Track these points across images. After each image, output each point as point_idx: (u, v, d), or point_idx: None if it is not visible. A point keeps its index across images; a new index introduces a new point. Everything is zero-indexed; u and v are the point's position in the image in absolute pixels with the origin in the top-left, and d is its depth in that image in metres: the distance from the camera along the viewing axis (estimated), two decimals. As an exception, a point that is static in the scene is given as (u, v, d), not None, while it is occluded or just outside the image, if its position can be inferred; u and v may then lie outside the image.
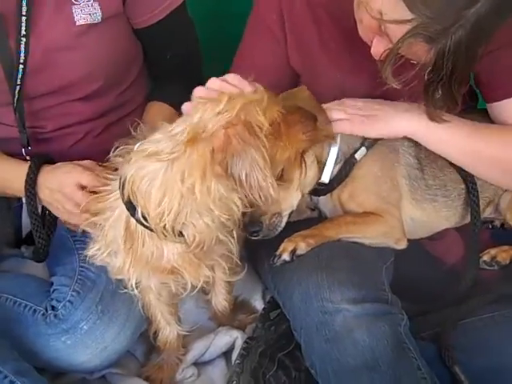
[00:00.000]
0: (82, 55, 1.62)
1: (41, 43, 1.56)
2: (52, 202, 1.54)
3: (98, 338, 1.55)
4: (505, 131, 1.55)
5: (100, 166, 1.50)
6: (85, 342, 1.55)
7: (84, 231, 1.47)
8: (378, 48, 1.36)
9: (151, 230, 1.27)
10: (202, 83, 1.35)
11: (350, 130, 1.51)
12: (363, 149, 1.55)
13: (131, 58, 1.79)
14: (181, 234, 1.26)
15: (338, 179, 1.55)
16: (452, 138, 1.52)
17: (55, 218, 1.61)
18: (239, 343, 1.69)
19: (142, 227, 1.29)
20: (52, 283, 1.63)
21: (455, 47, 1.23)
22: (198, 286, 1.44)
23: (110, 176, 1.38)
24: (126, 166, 1.26)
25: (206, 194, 1.19)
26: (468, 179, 1.59)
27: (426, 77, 1.32)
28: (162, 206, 1.20)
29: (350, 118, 1.51)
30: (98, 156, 1.50)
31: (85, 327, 1.54)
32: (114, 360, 1.62)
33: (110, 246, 1.39)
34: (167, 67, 1.84)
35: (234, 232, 1.37)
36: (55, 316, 1.55)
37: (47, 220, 1.62)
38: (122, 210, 1.31)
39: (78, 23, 1.58)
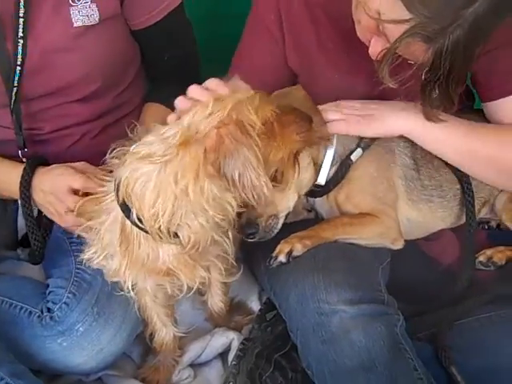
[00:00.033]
0: (79, 57, 1.61)
1: (38, 45, 1.55)
2: (45, 204, 1.54)
3: (94, 340, 1.55)
4: (501, 131, 1.55)
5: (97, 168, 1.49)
6: (81, 344, 1.55)
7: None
8: (375, 48, 1.36)
9: (146, 231, 1.27)
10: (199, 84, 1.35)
11: (345, 130, 1.51)
12: (359, 150, 1.54)
13: (129, 59, 1.79)
14: (176, 235, 1.26)
15: (335, 181, 1.54)
16: (448, 138, 1.52)
17: (51, 220, 1.60)
18: (235, 344, 1.68)
19: (138, 229, 1.28)
20: (48, 285, 1.63)
21: (453, 47, 1.23)
22: (194, 288, 1.43)
23: (106, 178, 1.38)
24: (121, 168, 1.26)
25: (200, 195, 1.18)
26: (463, 179, 1.59)
27: (423, 76, 1.31)
28: (156, 208, 1.20)
29: (346, 118, 1.51)
30: (94, 157, 1.50)
31: (81, 329, 1.54)
32: (110, 362, 1.61)
33: (107, 249, 1.38)
34: (165, 68, 1.84)
35: (229, 232, 1.37)
36: (51, 318, 1.55)
37: (43, 222, 1.61)
38: (117, 213, 1.30)
39: (75, 25, 1.58)
